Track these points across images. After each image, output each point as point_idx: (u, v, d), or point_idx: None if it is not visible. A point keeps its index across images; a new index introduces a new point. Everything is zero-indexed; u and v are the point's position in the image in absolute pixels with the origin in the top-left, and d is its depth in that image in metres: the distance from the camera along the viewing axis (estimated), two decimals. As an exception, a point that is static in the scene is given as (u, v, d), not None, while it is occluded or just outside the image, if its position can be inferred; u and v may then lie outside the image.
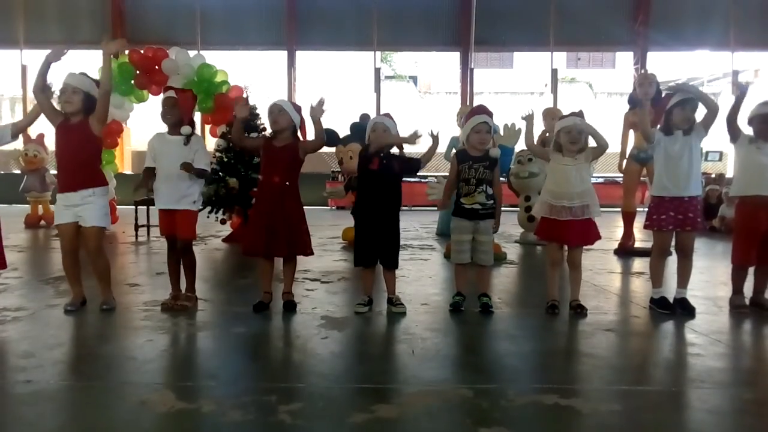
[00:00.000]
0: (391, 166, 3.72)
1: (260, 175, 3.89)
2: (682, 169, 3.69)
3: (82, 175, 3.67)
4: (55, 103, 3.81)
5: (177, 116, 3.85)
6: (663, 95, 4.20)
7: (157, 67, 7.84)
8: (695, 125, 3.72)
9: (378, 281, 3.93)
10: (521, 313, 3.90)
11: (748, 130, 3.86)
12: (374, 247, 3.74)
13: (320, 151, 4.04)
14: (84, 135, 3.63)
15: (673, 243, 3.84)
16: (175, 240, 3.90)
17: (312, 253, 3.88)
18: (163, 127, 3.94)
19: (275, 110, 3.76)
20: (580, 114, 3.80)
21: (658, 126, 3.85)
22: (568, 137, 3.71)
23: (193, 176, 3.83)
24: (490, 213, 3.75)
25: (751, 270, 3.92)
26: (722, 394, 2.48)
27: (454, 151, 7.18)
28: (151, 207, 6.67)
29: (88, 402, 2.38)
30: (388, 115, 3.91)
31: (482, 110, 3.79)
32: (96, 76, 3.78)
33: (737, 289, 3.89)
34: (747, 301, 3.89)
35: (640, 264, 5.80)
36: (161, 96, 4.06)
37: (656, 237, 3.84)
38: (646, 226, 3.84)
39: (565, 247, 3.92)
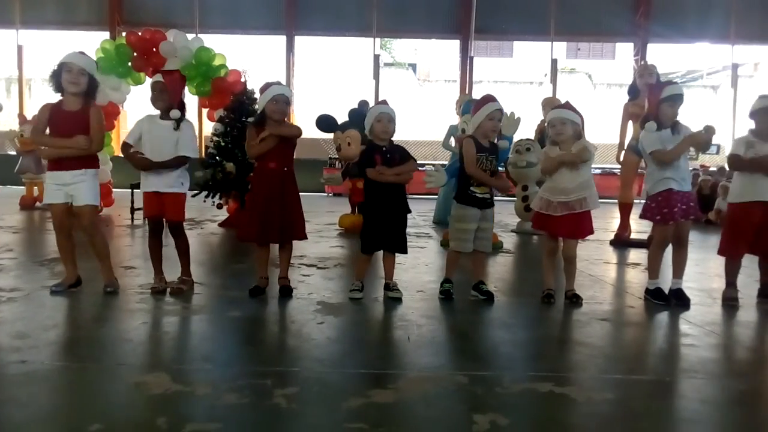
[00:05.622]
0: (393, 159, 3.72)
1: (256, 162, 3.85)
2: (682, 165, 3.69)
3: (76, 157, 3.64)
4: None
5: (167, 101, 3.78)
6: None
7: (154, 49, 7.76)
8: (682, 126, 3.68)
9: (375, 267, 3.92)
10: (517, 302, 3.91)
11: (750, 124, 3.83)
12: (382, 236, 3.73)
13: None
14: (85, 124, 3.62)
15: None
16: (160, 222, 3.86)
17: (306, 237, 3.88)
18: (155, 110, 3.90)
19: (281, 100, 3.69)
20: (566, 105, 3.79)
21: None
22: (553, 130, 3.77)
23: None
24: (492, 201, 3.83)
25: (753, 264, 3.92)
26: (715, 385, 2.49)
27: (452, 139, 7.22)
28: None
29: (82, 383, 2.38)
30: (385, 102, 3.88)
31: (494, 98, 3.80)
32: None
33: (730, 281, 3.88)
34: (756, 294, 3.90)
35: (635, 255, 5.82)
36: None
37: (659, 229, 3.81)
38: (657, 221, 3.74)
39: (560, 238, 3.92)
